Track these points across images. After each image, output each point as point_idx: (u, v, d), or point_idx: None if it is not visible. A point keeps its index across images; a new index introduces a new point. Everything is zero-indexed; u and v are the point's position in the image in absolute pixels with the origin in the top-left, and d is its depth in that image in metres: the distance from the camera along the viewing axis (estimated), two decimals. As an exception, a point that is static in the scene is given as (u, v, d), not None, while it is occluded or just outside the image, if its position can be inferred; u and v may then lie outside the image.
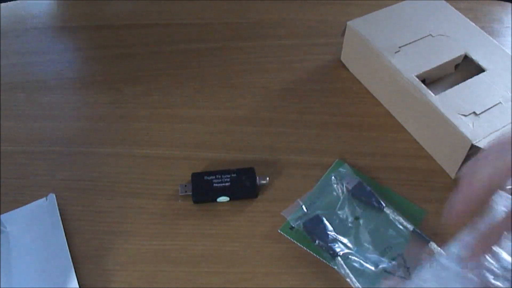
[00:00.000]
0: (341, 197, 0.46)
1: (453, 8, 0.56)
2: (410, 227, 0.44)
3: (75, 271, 0.41)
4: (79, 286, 0.41)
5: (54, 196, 0.46)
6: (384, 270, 0.41)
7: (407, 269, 0.42)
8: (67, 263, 0.42)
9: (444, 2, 0.57)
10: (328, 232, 0.43)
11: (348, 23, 0.55)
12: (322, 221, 0.44)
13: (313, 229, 0.44)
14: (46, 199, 0.46)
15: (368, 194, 0.46)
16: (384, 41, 0.52)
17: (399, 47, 0.52)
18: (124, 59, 0.60)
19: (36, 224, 0.44)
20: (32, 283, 0.41)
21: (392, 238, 0.43)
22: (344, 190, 0.46)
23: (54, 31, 0.64)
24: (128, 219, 0.45)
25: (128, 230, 0.45)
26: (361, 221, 0.45)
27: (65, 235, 0.44)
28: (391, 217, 0.44)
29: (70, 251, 0.43)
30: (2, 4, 0.66)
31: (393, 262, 0.42)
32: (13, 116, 0.54)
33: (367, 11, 0.56)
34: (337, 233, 0.43)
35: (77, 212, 0.46)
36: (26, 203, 0.46)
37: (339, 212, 0.45)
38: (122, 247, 0.44)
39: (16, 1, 0.67)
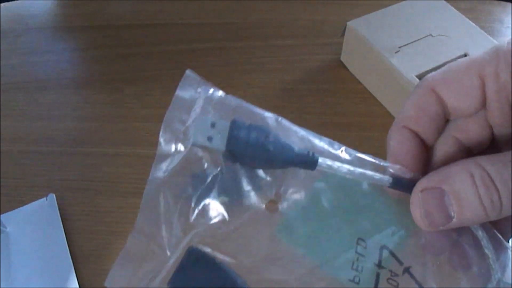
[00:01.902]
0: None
1: (453, 8, 0.56)
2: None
3: (75, 271, 0.41)
4: (79, 286, 0.41)
5: (54, 196, 0.46)
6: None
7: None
8: (67, 263, 0.42)
9: (444, 2, 0.57)
10: None
11: (348, 23, 0.54)
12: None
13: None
14: (46, 199, 0.46)
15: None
16: (384, 41, 0.52)
17: (399, 47, 0.52)
18: (124, 59, 0.60)
19: (36, 224, 0.44)
20: (32, 283, 0.41)
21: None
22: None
23: (54, 31, 0.64)
24: (128, 219, 0.45)
25: (128, 230, 0.44)
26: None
27: (65, 235, 0.44)
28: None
29: (70, 251, 0.43)
30: (2, 4, 0.66)
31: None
32: (13, 116, 0.54)
33: (367, 11, 0.56)
34: None
35: (77, 212, 0.46)
36: (26, 203, 0.46)
37: None
38: (122, 247, 0.44)
39: (16, 1, 0.67)
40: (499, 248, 0.22)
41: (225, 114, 0.23)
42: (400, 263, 0.22)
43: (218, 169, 0.22)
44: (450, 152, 0.23)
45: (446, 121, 0.23)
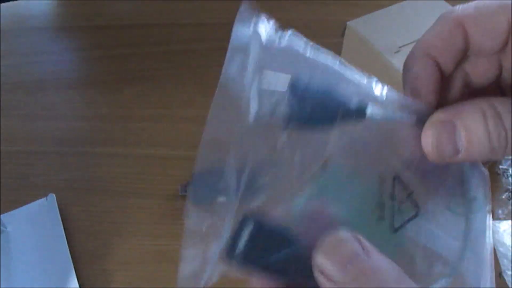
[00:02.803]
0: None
1: (453, 8, 0.56)
2: None
3: (75, 271, 0.41)
4: (79, 286, 0.41)
5: (54, 196, 0.46)
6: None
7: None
8: (67, 263, 0.42)
9: (444, 2, 0.57)
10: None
11: (348, 23, 0.54)
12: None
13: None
14: (46, 199, 0.46)
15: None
16: (384, 41, 0.52)
17: (399, 47, 0.52)
18: (124, 59, 0.60)
19: (36, 224, 0.44)
20: (32, 283, 0.41)
21: None
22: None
23: (54, 31, 0.64)
24: (128, 219, 0.45)
25: (128, 230, 0.45)
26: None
27: (65, 235, 0.44)
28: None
29: (70, 251, 0.43)
30: (2, 4, 0.66)
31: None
32: (13, 116, 0.54)
33: (367, 11, 0.56)
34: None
35: (77, 212, 0.46)
36: (26, 203, 0.46)
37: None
38: (122, 247, 0.44)
39: (16, 1, 0.67)
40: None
41: (284, 66, 0.22)
42: (406, 189, 0.23)
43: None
44: (457, 85, 0.24)
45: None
